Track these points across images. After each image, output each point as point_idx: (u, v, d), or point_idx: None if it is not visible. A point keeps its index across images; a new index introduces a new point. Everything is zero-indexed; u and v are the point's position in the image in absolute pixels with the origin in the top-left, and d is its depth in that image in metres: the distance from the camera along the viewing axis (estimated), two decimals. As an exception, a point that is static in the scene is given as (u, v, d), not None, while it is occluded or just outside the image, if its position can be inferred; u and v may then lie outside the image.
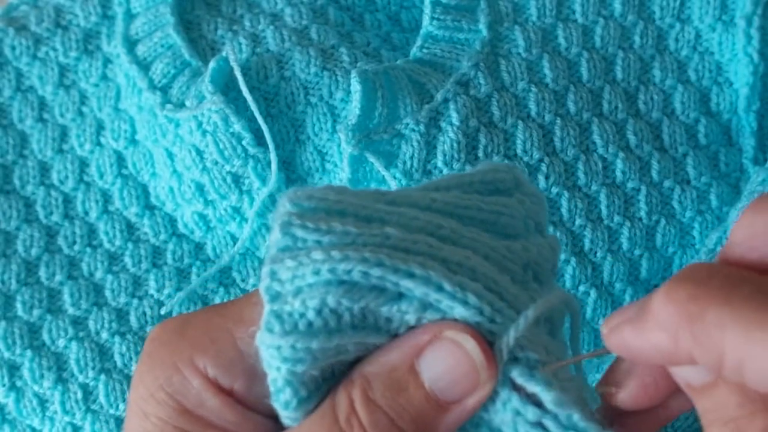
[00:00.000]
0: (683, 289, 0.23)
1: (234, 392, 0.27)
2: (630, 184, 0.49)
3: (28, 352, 0.48)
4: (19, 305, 0.49)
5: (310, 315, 0.26)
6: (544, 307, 0.27)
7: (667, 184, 0.49)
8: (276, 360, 0.26)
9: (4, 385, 0.48)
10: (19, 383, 0.48)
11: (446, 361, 0.26)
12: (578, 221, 0.48)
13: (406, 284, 0.26)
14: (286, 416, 0.27)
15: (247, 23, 0.52)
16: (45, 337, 0.49)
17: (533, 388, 0.26)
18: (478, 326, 0.26)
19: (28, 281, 0.50)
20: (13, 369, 0.48)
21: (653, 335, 0.24)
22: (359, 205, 0.27)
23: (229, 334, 0.27)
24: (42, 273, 0.50)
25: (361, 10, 0.54)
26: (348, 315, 0.26)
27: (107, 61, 0.53)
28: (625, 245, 0.48)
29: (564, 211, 0.48)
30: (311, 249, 0.26)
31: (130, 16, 0.53)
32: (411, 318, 0.26)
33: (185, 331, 0.28)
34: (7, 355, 0.48)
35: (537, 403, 0.26)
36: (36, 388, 0.48)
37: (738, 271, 0.24)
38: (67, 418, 0.48)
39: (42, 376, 0.48)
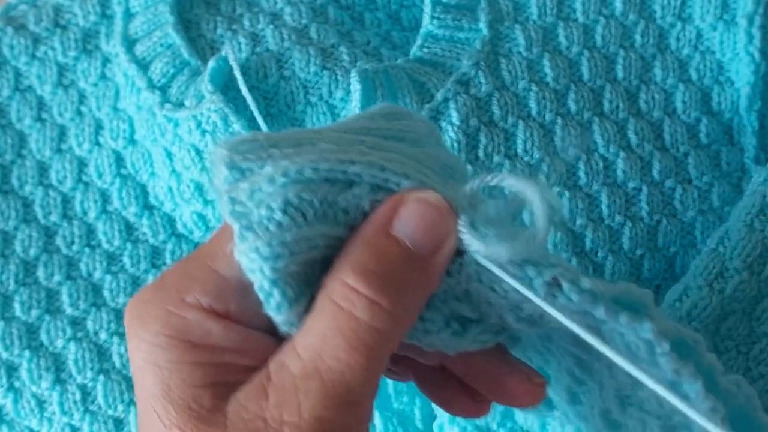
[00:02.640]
0: None
1: (231, 315, 0.28)
2: (631, 184, 0.48)
3: (27, 353, 0.48)
4: (17, 305, 0.49)
5: (277, 215, 0.27)
6: (484, 181, 0.30)
7: (668, 183, 0.49)
8: (256, 262, 0.27)
9: (2, 386, 0.48)
10: (17, 384, 0.48)
11: (416, 216, 0.28)
12: (579, 221, 0.48)
13: (353, 169, 0.28)
14: (281, 322, 0.28)
15: (246, 22, 0.52)
16: (43, 337, 0.49)
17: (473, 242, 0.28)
18: None
19: (26, 281, 0.50)
20: (12, 369, 0.48)
21: None
22: (288, 137, 0.29)
23: (209, 268, 0.28)
24: (40, 273, 0.50)
25: (360, 9, 0.54)
26: (311, 210, 0.28)
27: (106, 61, 0.53)
28: (626, 245, 0.48)
29: (565, 210, 0.47)
30: (260, 170, 0.28)
31: (129, 16, 0.53)
32: (365, 202, 0.29)
33: (164, 282, 0.29)
34: (5, 355, 0.48)
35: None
36: (34, 388, 0.48)
37: None
38: (65, 419, 0.48)
39: (40, 376, 0.48)
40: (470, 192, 0.30)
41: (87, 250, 0.51)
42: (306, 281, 0.28)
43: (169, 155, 0.50)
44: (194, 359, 0.28)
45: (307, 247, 0.28)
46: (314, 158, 0.28)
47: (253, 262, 0.27)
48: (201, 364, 0.28)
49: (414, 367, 0.34)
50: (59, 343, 0.49)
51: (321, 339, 0.27)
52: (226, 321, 0.28)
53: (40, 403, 0.48)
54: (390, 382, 0.46)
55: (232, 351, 0.28)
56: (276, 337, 0.29)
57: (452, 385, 0.34)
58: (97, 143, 0.52)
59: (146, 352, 0.28)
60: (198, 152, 0.48)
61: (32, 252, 0.50)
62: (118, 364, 0.48)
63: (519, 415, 0.44)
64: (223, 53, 0.48)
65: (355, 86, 0.46)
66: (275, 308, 0.28)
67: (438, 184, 0.30)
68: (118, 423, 0.48)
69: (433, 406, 0.45)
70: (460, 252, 0.29)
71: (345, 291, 0.27)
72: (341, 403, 0.27)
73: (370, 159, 0.29)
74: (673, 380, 0.28)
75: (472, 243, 0.28)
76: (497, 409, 0.44)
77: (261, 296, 0.28)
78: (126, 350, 0.48)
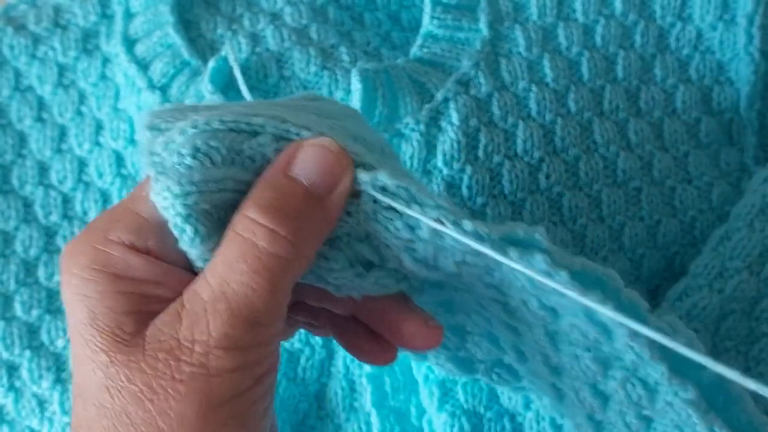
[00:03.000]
0: None
1: (151, 251, 0.31)
2: (631, 184, 0.49)
3: (27, 353, 0.48)
4: (18, 305, 0.49)
5: (187, 160, 0.30)
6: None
7: (668, 183, 0.49)
8: (168, 199, 0.30)
9: (3, 386, 0.48)
10: (18, 384, 0.48)
11: (314, 158, 0.31)
12: (579, 221, 0.48)
13: (256, 120, 0.31)
14: (195, 257, 0.31)
15: (246, 22, 0.52)
16: (44, 337, 0.49)
17: (371, 176, 0.31)
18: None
19: (27, 281, 0.50)
20: (12, 369, 0.48)
21: None
22: (206, 106, 0.32)
23: (130, 210, 0.31)
24: (41, 273, 0.50)
25: (361, 10, 0.54)
26: (218, 155, 0.30)
27: (106, 61, 0.53)
28: (626, 244, 0.48)
29: (565, 210, 0.47)
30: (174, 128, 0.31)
31: (129, 16, 0.53)
32: (269, 150, 0.31)
33: (91, 225, 0.32)
34: (6, 355, 0.48)
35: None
36: (35, 388, 0.48)
37: None
38: (66, 419, 0.48)
39: (41, 376, 0.48)
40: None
41: (87, 250, 0.51)
42: (218, 222, 0.31)
43: (170, 155, 0.50)
44: (118, 289, 0.31)
45: (216, 187, 0.30)
46: (222, 114, 0.31)
47: (165, 200, 0.30)
48: (124, 293, 0.31)
49: (330, 320, 0.38)
50: (60, 343, 0.49)
51: (227, 266, 0.30)
52: (146, 256, 0.31)
53: (41, 403, 0.48)
54: (387, 380, 0.46)
55: (152, 283, 0.31)
56: (192, 273, 0.31)
57: (362, 332, 0.37)
58: (98, 143, 0.52)
59: (75, 285, 0.31)
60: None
61: (33, 252, 0.50)
62: (118, 364, 0.48)
63: (504, 398, 0.45)
64: (223, 53, 0.48)
65: (356, 86, 0.46)
66: (188, 243, 0.30)
67: (338, 137, 0.32)
68: (119, 423, 0.48)
69: (424, 402, 0.46)
70: (358, 193, 0.32)
71: (247, 223, 0.30)
72: (246, 323, 0.30)
73: (273, 112, 0.32)
74: (585, 311, 0.30)
75: (363, 175, 0.31)
76: (483, 392, 0.45)
77: (175, 232, 0.30)
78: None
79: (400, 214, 0.31)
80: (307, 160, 0.31)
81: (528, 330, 0.35)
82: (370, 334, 0.37)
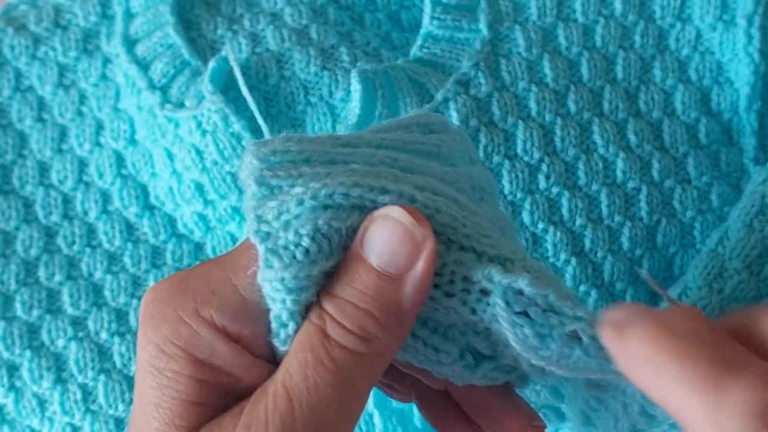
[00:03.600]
0: (652, 324, 0.25)
1: (242, 339, 0.28)
2: (630, 184, 0.49)
3: (28, 353, 0.48)
4: (18, 305, 0.49)
5: (305, 242, 0.27)
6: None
7: (667, 183, 0.49)
8: (280, 293, 0.27)
9: (3, 386, 0.48)
10: (18, 383, 0.48)
11: (381, 235, 0.27)
12: (579, 221, 0.48)
13: (383, 200, 0.28)
14: (284, 352, 0.28)
15: (246, 23, 0.52)
16: (44, 337, 0.49)
17: (509, 280, 0.28)
18: (455, 231, 0.28)
19: (27, 281, 0.50)
20: (13, 369, 0.48)
21: (619, 356, 0.26)
22: (321, 151, 0.29)
23: (230, 283, 0.28)
24: (41, 273, 0.50)
25: (361, 10, 0.54)
26: (337, 237, 0.27)
27: (106, 61, 0.53)
28: (625, 245, 0.48)
29: (564, 210, 0.48)
30: (289, 190, 0.28)
31: (129, 16, 0.53)
32: None
33: (185, 286, 0.28)
34: (6, 355, 0.48)
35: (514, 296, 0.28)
36: (35, 388, 0.48)
37: (707, 331, 0.25)
38: (66, 419, 0.48)
39: (41, 376, 0.48)
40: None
41: (88, 250, 0.51)
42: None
43: (170, 155, 0.50)
44: (195, 375, 0.28)
45: (325, 276, 0.28)
46: (346, 182, 0.27)
47: (276, 292, 0.27)
48: (200, 381, 0.28)
49: (417, 387, 0.34)
50: (60, 342, 0.49)
51: (292, 355, 0.27)
52: (234, 345, 0.28)
53: (41, 403, 0.48)
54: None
55: (233, 375, 0.28)
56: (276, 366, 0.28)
57: (453, 412, 0.34)
58: (98, 143, 0.52)
59: (152, 355, 0.28)
60: (198, 152, 0.48)
61: (33, 252, 0.50)
62: (118, 364, 0.48)
63: None
64: (223, 53, 0.48)
65: (355, 87, 0.46)
66: (284, 339, 0.28)
67: (471, 222, 0.29)
68: (119, 422, 0.48)
69: None
70: (487, 292, 0.28)
71: (319, 312, 0.27)
72: (310, 424, 0.26)
73: (402, 189, 0.28)
74: None
75: (498, 275, 0.28)
76: None
77: (274, 325, 0.28)
78: (126, 350, 0.48)
79: (531, 321, 0.28)
80: (377, 237, 0.27)
81: (611, 418, 0.33)
82: (461, 415, 0.34)
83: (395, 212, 0.27)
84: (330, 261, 0.27)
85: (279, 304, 0.27)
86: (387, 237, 0.27)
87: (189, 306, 0.28)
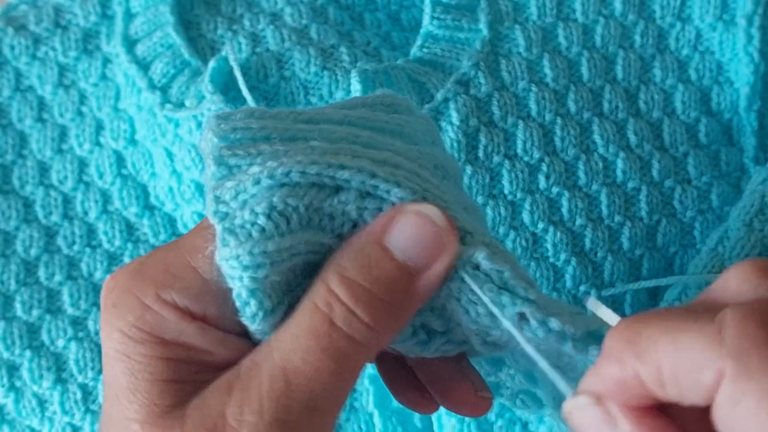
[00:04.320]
0: (624, 322, 0.25)
1: (207, 318, 0.28)
2: (630, 184, 0.49)
3: (28, 353, 0.48)
4: (18, 305, 0.49)
5: (261, 220, 0.27)
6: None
7: (667, 183, 0.49)
8: (237, 270, 0.27)
9: (3, 386, 0.48)
10: (18, 383, 0.48)
11: (412, 230, 0.27)
12: (579, 221, 0.48)
13: (342, 175, 0.28)
14: (255, 330, 0.28)
15: (246, 23, 0.52)
16: (44, 337, 0.49)
17: (468, 253, 0.28)
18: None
19: (27, 281, 0.50)
20: (13, 369, 0.48)
21: (604, 368, 0.25)
22: (281, 128, 0.29)
23: (189, 266, 0.28)
24: (41, 273, 0.50)
25: (361, 10, 0.54)
26: (295, 215, 0.27)
27: (107, 61, 0.53)
28: (625, 245, 0.48)
29: (564, 210, 0.48)
30: (247, 169, 0.28)
31: (129, 16, 0.53)
32: (352, 209, 0.28)
33: (144, 271, 0.28)
34: (6, 355, 0.48)
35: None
36: (35, 388, 0.48)
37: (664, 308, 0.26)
38: (66, 419, 0.48)
39: (41, 376, 0.48)
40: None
41: (88, 250, 0.51)
42: (285, 289, 0.28)
43: (170, 155, 0.50)
44: (165, 355, 0.28)
45: (289, 255, 0.27)
46: (303, 160, 0.27)
47: (233, 270, 0.27)
48: (171, 360, 0.28)
49: (378, 355, 0.34)
50: (60, 342, 0.49)
51: (294, 339, 0.27)
52: (200, 322, 0.28)
53: (41, 403, 0.48)
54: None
55: (204, 351, 0.28)
56: (251, 339, 0.28)
57: (407, 377, 0.34)
58: (98, 143, 0.52)
59: (118, 342, 0.28)
60: (198, 152, 0.48)
61: (33, 252, 0.50)
62: (118, 364, 0.48)
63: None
64: (223, 53, 0.48)
65: (355, 86, 0.46)
66: (250, 317, 0.27)
67: (433, 194, 0.29)
68: (119, 422, 0.48)
69: None
70: None
71: (327, 295, 0.27)
72: (305, 408, 0.26)
73: (361, 164, 0.28)
74: None
75: (477, 252, 0.28)
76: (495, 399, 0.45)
77: (237, 304, 0.27)
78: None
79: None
80: (407, 231, 0.27)
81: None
82: (415, 381, 0.34)
83: (433, 211, 0.27)
84: (288, 239, 0.27)
85: (237, 281, 0.27)
86: (418, 233, 0.27)
87: (149, 291, 0.28)
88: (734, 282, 0.26)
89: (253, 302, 0.27)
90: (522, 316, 0.28)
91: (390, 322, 0.27)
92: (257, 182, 0.27)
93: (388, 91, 0.33)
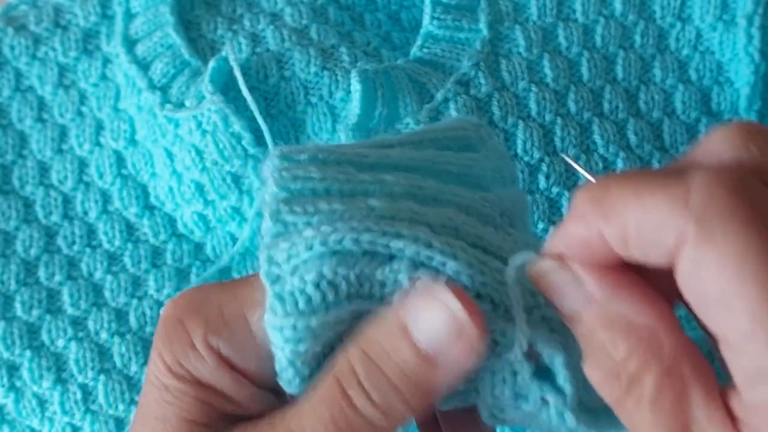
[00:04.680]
0: (594, 183, 0.25)
1: (247, 372, 0.29)
2: (631, 184, 0.48)
3: (28, 353, 0.48)
4: (18, 305, 0.49)
5: (309, 289, 0.27)
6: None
7: (667, 183, 0.49)
8: (280, 340, 0.27)
9: (3, 386, 0.48)
10: (18, 383, 0.48)
11: (433, 321, 0.26)
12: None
13: (396, 244, 0.27)
14: (291, 393, 0.28)
15: (246, 23, 0.52)
16: (44, 337, 0.49)
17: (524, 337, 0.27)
18: (470, 279, 0.27)
19: (27, 281, 0.50)
20: (13, 369, 0.48)
21: (570, 227, 0.25)
22: (342, 179, 0.28)
23: (243, 317, 0.29)
24: (41, 273, 0.50)
25: (361, 10, 0.54)
26: (345, 284, 0.27)
27: (107, 61, 0.53)
28: (625, 245, 0.48)
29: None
30: (302, 229, 0.27)
31: (129, 16, 0.53)
32: (403, 277, 0.27)
33: (199, 308, 0.29)
34: (6, 355, 0.48)
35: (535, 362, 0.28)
36: (35, 388, 0.48)
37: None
38: (66, 419, 0.48)
39: (41, 376, 0.48)
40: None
41: (88, 250, 0.51)
42: (325, 353, 0.28)
43: (170, 155, 0.50)
44: (199, 397, 0.29)
45: (334, 325, 0.27)
46: (357, 227, 0.27)
47: (276, 339, 0.27)
48: (204, 403, 0.29)
49: None
50: (60, 342, 0.49)
51: (310, 407, 0.27)
52: (238, 376, 0.29)
53: (41, 403, 0.48)
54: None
55: (236, 403, 0.29)
56: (283, 397, 0.29)
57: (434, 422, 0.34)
58: (98, 143, 0.52)
59: (160, 371, 0.29)
60: (198, 152, 0.48)
61: (33, 252, 0.50)
62: (118, 364, 0.48)
63: None
64: (223, 53, 0.48)
65: (356, 87, 0.46)
66: (287, 383, 0.28)
67: (489, 258, 0.28)
68: (119, 422, 0.48)
69: None
70: (496, 342, 0.28)
71: (347, 369, 0.27)
72: None
73: (417, 234, 0.27)
74: None
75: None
76: None
77: (277, 368, 0.28)
78: (126, 350, 0.48)
79: (514, 380, 0.27)
80: (426, 319, 0.26)
81: None
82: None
83: (454, 306, 0.26)
84: (334, 311, 0.27)
85: (279, 350, 0.27)
86: (440, 325, 0.26)
87: (199, 331, 0.29)
88: (716, 144, 0.25)
89: (291, 371, 0.27)
90: (544, 401, 0.27)
91: (404, 410, 0.27)
92: (310, 248, 0.27)
93: (460, 122, 0.32)
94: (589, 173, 0.30)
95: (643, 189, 0.23)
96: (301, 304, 0.27)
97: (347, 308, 0.27)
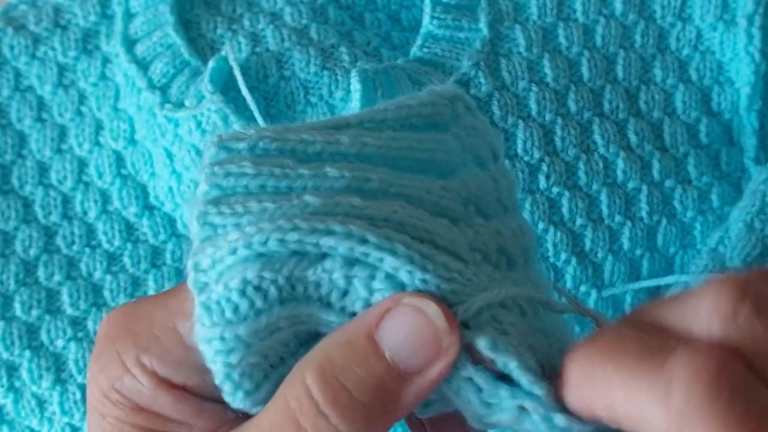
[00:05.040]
0: (582, 349, 0.24)
1: (187, 386, 0.27)
2: (631, 184, 0.48)
3: (27, 353, 0.48)
4: (17, 305, 0.49)
5: (234, 297, 0.25)
6: (510, 294, 0.26)
7: (668, 183, 0.49)
8: (210, 353, 0.25)
9: (2, 386, 0.48)
10: (17, 384, 0.48)
11: (407, 328, 0.24)
12: (579, 221, 0.47)
13: (327, 242, 0.25)
14: (237, 408, 0.27)
15: (246, 22, 0.52)
16: (44, 337, 0.49)
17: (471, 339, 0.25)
18: (410, 275, 0.25)
19: (26, 281, 0.50)
20: (12, 369, 0.48)
21: (567, 395, 0.25)
22: (280, 174, 0.26)
23: (174, 330, 0.26)
24: (41, 273, 0.50)
25: (361, 9, 0.54)
26: (274, 289, 0.25)
27: (106, 61, 0.53)
28: (626, 245, 0.48)
29: (565, 211, 0.47)
30: (229, 232, 0.25)
31: (129, 16, 0.53)
32: (338, 277, 0.25)
33: (129, 326, 0.27)
34: (5, 355, 0.48)
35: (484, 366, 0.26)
36: (35, 388, 0.48)
37: (628, 328, 0.24)
38: (65, 419, 0.48)
39: (41, 376, 0.48)
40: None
41: (87, 250, 0.51)
42: (275, 361, 0.26)
43: (170, 155, 0.50)
44: (138, 422, 0.27)
45: (268, 333, 0.25)
46: (284, 225, 0.25)
47: (206, 352, 0.25)
48: (144, 429, 0.27)
49: None
50: (60, 343, 0.49)
51: (255, 426, 0.25)
52: (178, 392, 0.27)
53: (41, 403, 0.48)
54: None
55: (179, 423, 0.27)
56: (231, 409, 0.27)
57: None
58: (98, 143, 0.52)
59: (96, 398, 0.27)
60: (198, 152, 0.48)
61: (32, 252, 0.50)
62: (118, 364, 0.48)
63: None
64: (223, 53, 0.48)
65: (355, 86, 0.46)
66: (229, 397, 0.26)
67: (436, 253, 0.26)
68: (119, 423, 0.48)
69: None
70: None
71: (299, 389, 0.24)
72: None
73: (351, 227, 0.25)
74: None
75: (478, 339, 0.25)
76: None
77: (216, 382, 0.26)
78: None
79: (479, 389, 0.25)
80: (399, 327, 0.24)
81: None
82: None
83: (432, 309, 0.24)
84: (265, 317, 0.25)
85: (212, 364, 0.25)
86: (412, 333, 0.24)
87: (131, 352, 0.27)
88: (706, 306, 0.23)
89: (228, 384, 0.26)
90: (522, 408, 0.25)
91: (371, 427, 0.24)
92: (233, 252, 0.25)
93: (433, 95, 0.30)
94: (587, 311, 0.28)
95: (627, 371, 0.23)
96: (228, 313, 0.25)
97: (281, 313, 0.25)
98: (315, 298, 0.26)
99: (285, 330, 0.26)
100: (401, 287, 0.25)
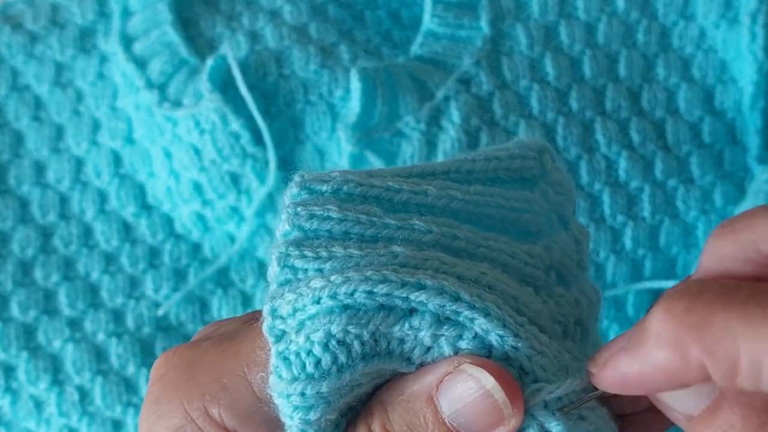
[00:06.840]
0: (681, 303, 0.22)
1: None
2: (633, 183, 0.48)
3: (24, 354, 0.48)
4: (14, 306, 0.49)
5: (317, 351, 0.24)
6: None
7: (670, 183, 0.49)
8: (287, 408, 0.24)
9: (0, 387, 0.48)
10: (14, 385, 0.48)
11: (465, 398, 0.24)
12: (581, 221, 0.47)
13: (417, 297, 0.24)
14: None
15: (245, 20, 0.52)
16: (41, 338, 0.49)
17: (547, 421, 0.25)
18: (501, 340, 0.25)
19: (23, 282, 0.49)
20: (9, 370, 0.48)
21: (656, 355, 0.23)
22: (366, 222, 0.25)
23: (244, 379, 0.25)
24: (38, 273, 0.50)
25: (361, 8, 0.54)
26: (357, 344, 0.24)
27: (104, 59, 0.53)
28: (628, 245, 0.48)
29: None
30: (311, 278, 0.24)
31: (127, 14, 0.53)
32: (425, 335, 0.24)
33: (194, 373, 0.26)
34: (2, 356, 0.48)
35: None
36: (32, 389, 0.48)
37: (728, 280, 0.23)
38: (63, 420, 0.48)
39: (38, 377, 0.48)
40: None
41: (85, 250, 0.50)
42: (342, 415, 0.26)
43: (168, 155, 0.49)
44: None
45: (349, 389, 0.25)
46: (373, 277, 0.24)
47: (284, 407, 0.24)
48: None
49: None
50: (57, 343, 0.48)
51: None
52: None
53: (38, 404, 0.48)
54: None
55: None
56: None
57: None
58: (95, 142, 0.52)
59: None
60: (197, 151, 0.48)
61: (29, 252, 0.50)
62: (115, 365, 0.48)
63: None
64: (221, 52, 0.48)
65: (355, 85, 0.46)
66: None
67: (524, 321, 0.25)
68: (117, 424, 0.48)
69: None
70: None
71: None
72: None
73: (443, 285, 0.24)
74: None
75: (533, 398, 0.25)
76: None
77: None
78: (124, 351, 0.48)
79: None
80: (458, 394, 0.24)
81: None
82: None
83: (489, 383, 0.24)
84: (348, 374, 0.24)
85: (288, 419, 0.25)
86: (471, 402, 0.24)
87: (196, 401, 0.25)
88: None
89: None
90: None
91: None
92: (317, 301, 0.24)
93: (522, 148, 0.29)
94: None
95: (756, 318, 0.21)
96: (309, 367, 0.24)
97: (364, 369, 0.24)
98: (396, 354, 0.25)
99: (365, 386, 0.25)
100: (488, 350, 0.25)
